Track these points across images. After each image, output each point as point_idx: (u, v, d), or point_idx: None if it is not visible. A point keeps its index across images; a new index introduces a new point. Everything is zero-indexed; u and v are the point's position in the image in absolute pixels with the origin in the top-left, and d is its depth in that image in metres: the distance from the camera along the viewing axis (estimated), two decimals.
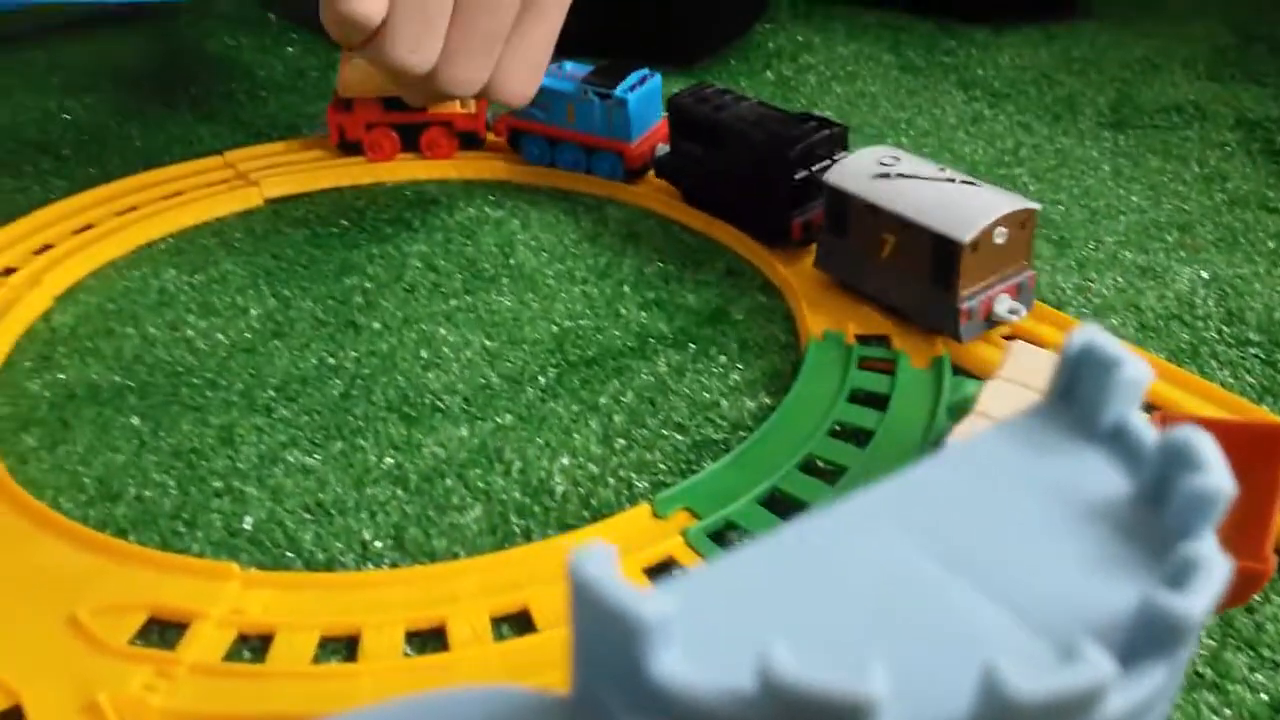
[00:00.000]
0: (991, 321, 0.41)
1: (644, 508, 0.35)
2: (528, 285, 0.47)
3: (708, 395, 0.41)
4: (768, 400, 0.40)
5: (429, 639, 0.31)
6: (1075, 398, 0.17)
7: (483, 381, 0.41)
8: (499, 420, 0.39)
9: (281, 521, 0.35)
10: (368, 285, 0.47)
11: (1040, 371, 0.34)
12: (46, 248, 0.48)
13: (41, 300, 0.45)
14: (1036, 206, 0.41)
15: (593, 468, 0.37)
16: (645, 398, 0.41)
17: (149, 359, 0.42)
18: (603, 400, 0.40)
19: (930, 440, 0.36)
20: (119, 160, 0.56)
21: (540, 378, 0.42)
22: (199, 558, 0.33)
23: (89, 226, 0.50)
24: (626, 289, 0.47)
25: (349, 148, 0.55)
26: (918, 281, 0.41)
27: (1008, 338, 0.42)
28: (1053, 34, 0.74)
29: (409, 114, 0.54)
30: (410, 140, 0.55)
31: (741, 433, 0.39)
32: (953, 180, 0.41)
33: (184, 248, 0.50)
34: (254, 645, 0.30)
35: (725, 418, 0.40)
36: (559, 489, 0.36)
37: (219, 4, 0.78)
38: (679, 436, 0.39)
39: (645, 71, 0.54)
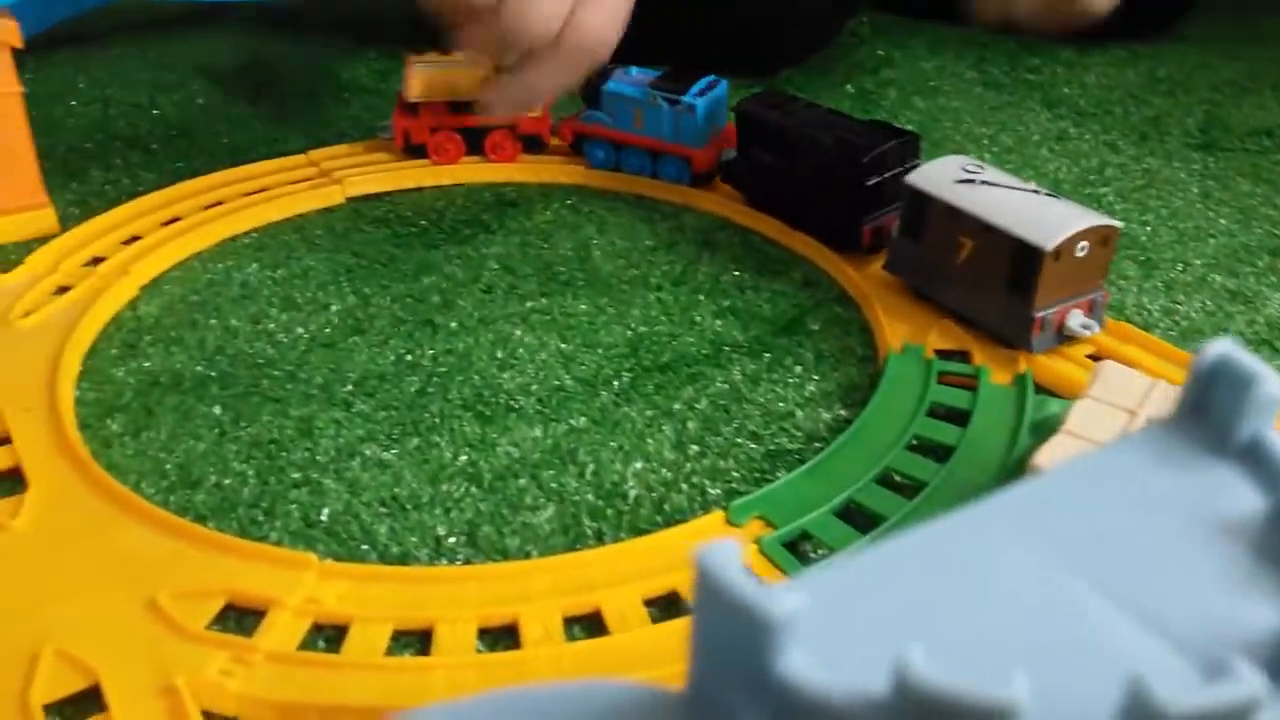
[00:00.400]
0: (1063, 335, 0.41)
1: (717, 515, 0.34)
2: (603, 290, 0.47)
3: (783, 405, 0.40)
4: (844, 412, 0.40)
5: (501, 636, 0.31)
6: (1207, 413, 0.16)
7: (557, 383, 0.41)
8: (573, 422, 0.39)
9: (358, 514, 0.35)
10: (445, 285, 0.47)
11: (1130, 391, 0.34)
12: (134, 239, 0.49)
13: (128, 290, 0.46)
14: (1120, 225, 0.40)
15: (666, 473, 0.37)
16: (719, 405, 0.40)
17: (231, 350, 0.43)
18: (677, 406, 0.40)
19: (1013, 458, 0.36)
20: (206, 156, 0.58)
21: (615, 382, 0.42)
22: (277, 546, 0.33)
23: (176, 219, 0.51)
24: (701, 296, 0.47)
25: (414, 151, 0.55)
26: (993, 289, 0.41)
27: (1093, 357, 0.41)
28: (1139, 54, 0.73)
29: (473, 117, 0.54)
30: (474, 144, 0.55)
31: (816, 444, 0.38)
32: (1037, 193, 0.41)
33: (267, 243, 0.50)
34: (329, 635, 0.31)
35: (800, 428, 0.39)
36: (632, 493, 0.36)
37: (304, 6, 0.79)
38: (753, 445, 0.38)
39: (712, 77, 0.54)
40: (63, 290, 0.45)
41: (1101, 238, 0.40)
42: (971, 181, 0.41)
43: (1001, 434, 0.37)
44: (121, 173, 0.56)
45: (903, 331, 0.43)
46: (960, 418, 0.38)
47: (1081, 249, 0.39)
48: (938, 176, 0.42)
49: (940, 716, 0.11)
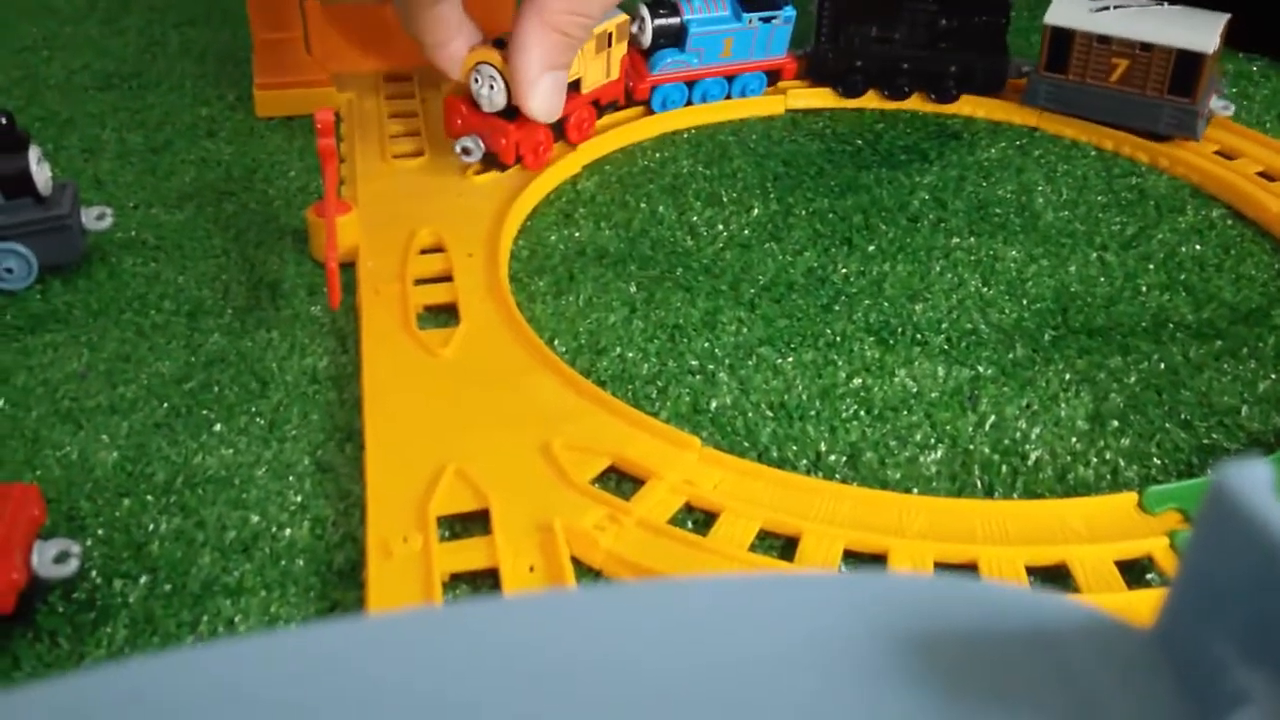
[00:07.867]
0: (1207, 118, 0.48)
1: (1129, 497, 0.31)
2: (1039, 239, 0.44)
3: (1227, 399, 0.36)
4: None
5: (864, 563, 0.30)
6: None
7: (970, 326, 0.39)
8: (980, 369, 0.37)
9: (745, 412, 0.35)
10: (870, 207, 0.46)
11: None
12: None
13: (573, 165, 0.49)
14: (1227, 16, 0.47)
15: (1075, 442, 0.34)
16: (1151, 384, 0.36)
17: (653, 234, 0.44)
18: (1101, 376, 0.37)
19: None
20: None
21: (1035, 336, 0.38)
22: (665, 424, 0.34)
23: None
24: (1152, 265, 0.42)
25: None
26: (1154, 95, 0.48)
27: None
28: None
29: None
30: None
31: (1260, 449, 0.34)
32: (1161, 4, 0.48)
33: (704, 141, 0.51)
34: (697, 518, 0.31)
35: (1244, 428, 0.34)
36: (1033, 454, 0.33)
37: None
38: (1183, 434, 0.34)
39: None
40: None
41: (1225, 33, 0.47)
42: (1106, 8, 0.48)
43: None
44: None
45: None
46: None
47: (1215, 45, 0.46)
48: (1073, 12, 0.49)
49: None
